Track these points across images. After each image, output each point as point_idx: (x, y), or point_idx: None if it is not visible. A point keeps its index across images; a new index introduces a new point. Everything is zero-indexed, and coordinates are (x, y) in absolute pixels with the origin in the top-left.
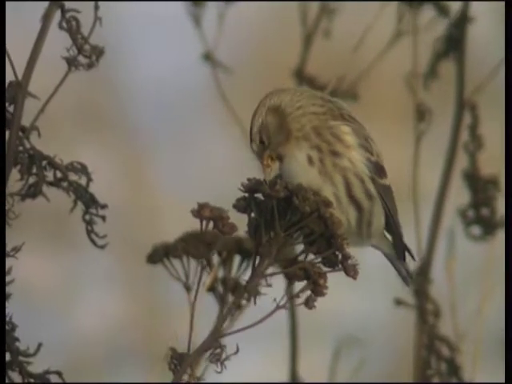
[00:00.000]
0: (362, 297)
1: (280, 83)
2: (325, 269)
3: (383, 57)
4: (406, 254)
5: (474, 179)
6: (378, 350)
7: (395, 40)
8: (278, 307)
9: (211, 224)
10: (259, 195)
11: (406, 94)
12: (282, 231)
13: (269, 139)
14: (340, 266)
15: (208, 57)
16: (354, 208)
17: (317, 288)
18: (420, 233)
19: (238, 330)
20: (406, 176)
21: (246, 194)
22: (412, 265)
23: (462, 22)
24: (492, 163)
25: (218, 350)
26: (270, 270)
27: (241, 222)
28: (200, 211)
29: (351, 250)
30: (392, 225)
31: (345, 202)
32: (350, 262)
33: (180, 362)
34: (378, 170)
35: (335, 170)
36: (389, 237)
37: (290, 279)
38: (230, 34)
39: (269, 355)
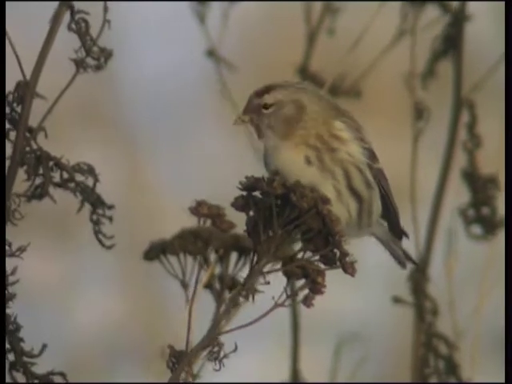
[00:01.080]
0: (362, 295)
1: (283, 81)
2: (323, 266)
3: (383, 55)
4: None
5: (473, 178)
6: (376, 348)
7: (398, 39)
8: (276, 305)
9: (208, 221)
10: (257, 193)
11: (404, 93)
12: (280, 228)
13: (272, 114)
14: (338, 263)
15: (212, 54)
16: (355, 199)
17: (315, 286)
18: (418, 231)
19: (237, 328)
20: (404, 174)
21: (244, 193)
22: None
23: (459, 21)
24: (490, 162)
25: (217, 348)
26: (268, 268)
27: (238, 220)
28: (197, 208)
29: (350, 246)
30: (389, 206)
31: (345, 194)
32: (348, 259)
33: (178, 359)
34: (372, 155)
35: (334, 164)
36: (383, 222)
37: (289, 277)
38: (233, 32)
39: (270, 354)
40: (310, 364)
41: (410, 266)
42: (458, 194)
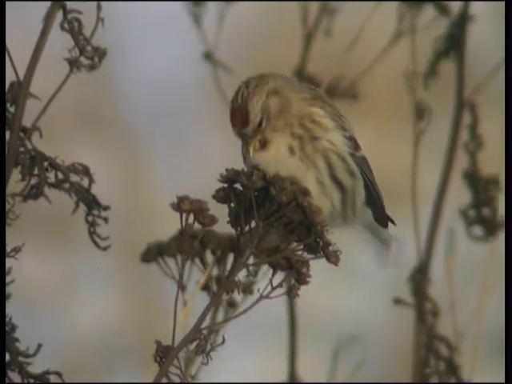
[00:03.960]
0: (362, 296)
1: None
2: (307, 257)
3: (383, 56)
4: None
5: (474, 179)
6: (376, 349)
7: (396, 39)
8: (261, 297)
9: (191, 216)
10: (238, 185)
11: (404, 93)
12: (261, 221)
13: (268, 122)
14: (321, 253)
15: (208, 56)
16: (338, 190)
17: (300, 277)
18: (419, 232)
19: (223, 322)
20: (405, 175)
21: (225, 185)
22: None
23: (462, 21)
24: (492, 163)
25: (203, 342)
26: (252, 260)
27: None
28: (179, 204)
29: (349, 246)
30: (373, 194)
31: (328, 184)
32: (331, 248)
33: (165, 354)
34: (354, 144)
35: (316, 154)
36: (368, 211)
37: (274, 268)
38: (230, 33)
39: (268, 355)
40: (308, 366)
41: (409, 267)
42: (460, 195)
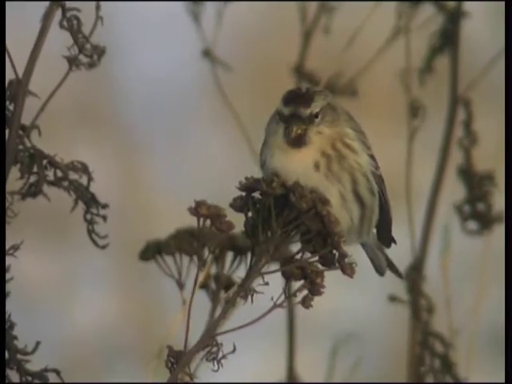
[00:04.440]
0: (357, 294)
1: (279, 80)
2: (321, 267)
3: (378, 54)
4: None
5: (469, 175)
6: (372, 347)
7: (394, 37)
8: (275, 306)
9: (208, 222)
10: (256, 194)
11: (399, 91)
12: (279, 229)
13: (320, 123)
14: (337, 264)
15: (207, 54)
16: (358, 206)
17: (314, 287)
18: (414, 229)
19: (235, 329)
20: (399, 172)
21: (243, 193)
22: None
23: (456, 18)
24: (486, 159)
25: (215, 349)
26: (266, 269)
27: (236, 220)
28: (197, 209)
29: (347, 247)
30: (385, 213)
31: (350, 200)
32: (346, 260)
33: (177, 359)
34: (375, 162)
35: (342, 170)
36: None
37: (287, 278)
38: (229, 31)
39: (266, 354)
40: (306, 364)
41: (404, 263)
42: (454, 192)
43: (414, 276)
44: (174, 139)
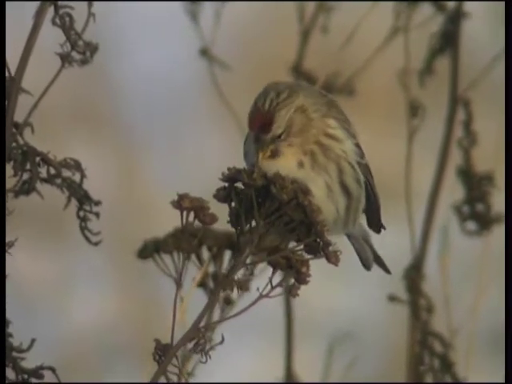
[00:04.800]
0: (356, 293)
1: (277, 79)
2: (306, 256)
3: (377, 53)
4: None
5: (468, 175)
6: (371, 346)
7: (392, 37)
8: (261, 296)
9: (192, 214)
10: (239, 184)
11: (398, 90)
12: (262, 220)
13: (287, 136)
14: (321, 253)
15: (205, 53)
16: (345, 196)
17: (299, 276)
18: (413, 229)
19: (221, 320)
20: (399, 172)
21: (226, 184)
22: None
23: (456, 18)
24: (486, 159)
25: (202, 341)
26: (251, 259)
27: (222, 213)
28: (180, 202)
29: (343, 243)
30: (373, 201)
31: (336, 191)
32: (331, 248)
33: (164, 352)
34: (360, 151)
35: (329, 161)
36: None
37: (273, 268)
38: (226, 31)
39: (263, 353)
40: (303, 363)
41: (404, 263)
42: (454, 192)
43: (414, 275)
44: (172, 138)
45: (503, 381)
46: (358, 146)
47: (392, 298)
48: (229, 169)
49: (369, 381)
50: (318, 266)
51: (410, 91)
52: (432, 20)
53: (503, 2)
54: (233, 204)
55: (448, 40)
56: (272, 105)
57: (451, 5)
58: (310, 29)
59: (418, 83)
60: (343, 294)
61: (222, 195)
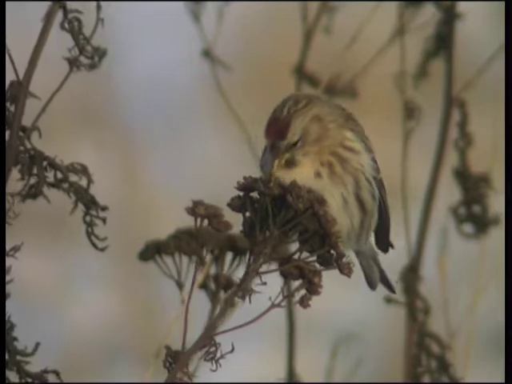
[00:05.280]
0: (354, 296)
1: (279, 80)
2: (319, 267)
3: (378, 54)
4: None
5: (464, 176)
6: (370, 347)
7: (394, 38)
8: (273, 305)
9: (206, 222)
10: (254, 194)
11: (394, 92)
12: (277, 229)
13: (303, 145)
14: (334, 264)
15: (207, 53)
16: (360, 210)
17: (311, 286)
18: (410, 230)
19: (233, 328)
20: (395, 173)
21: (241, 193)
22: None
23: (450, 20)
24: (482, 160)
25: (213, 349)
26: (264, 268)
27: (235, 220)
28: (195, 209)
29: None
30: (384, 218)
31: (352, 203)
32: (344, 260)
33: (175, 359)
34: (376, 166)
35: (346, 173)
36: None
37: (285, 277)
38: (229, 31)
39: (266, 354)
40: (306, 364)
41: (401, 264)
42: (450, 193)
43: (410, 277)
44: (175, 140)
45: (501, 381)
46: (374, 160)
47: (388, 300)
48: (244, 178)
49: (367, 381)
50: None
51: (405, 93)
52: (429, 22)
53: (499, 2)
54: (247, 213)
55: (442, 42)
56: (289, 112)
57: (447, 4)
58: (312, 30)
59: (412, 86)
60: (344, 296)
61: (237, 204)
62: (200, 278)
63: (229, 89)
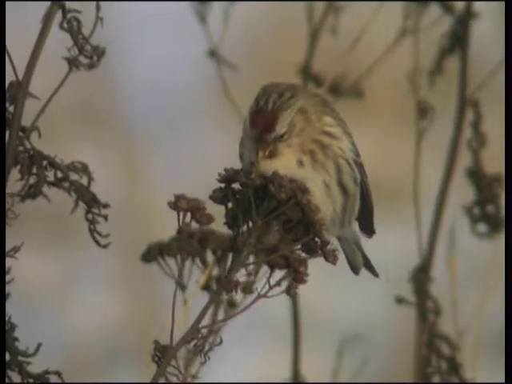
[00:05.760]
0: (364, 296)
1: (286, 80)
2: (304, 256)
3: (385, 55)
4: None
5: (478, 177)
6: (379, 348)
7: (401, 37)
8: (259, 296)
9: (188, 215)
10: (236, 185)
11: (407, 92)
12: (260, 219)
13: (289, 137)
14: (319, 252)
15: (213, 53)
16: (342, 195)
17: (297, 275)
18: (421, 230)
19: (221, 321)
20: (407, 173)
21: (222, 185)
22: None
23: (465, 19)
24: (495, 160)
25: (201, 341)
26: (250, 259)
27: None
28: (177, 203)
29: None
30: (366, 202)
31: (334, 189)
32: (328, 247)
33: (163, 353)
34: (356, 150)
35: (327, 160)
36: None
37: (271, 267)
38: (235, 32)
39: (271, 354)
40: (311, 364)
41: (411, 265)
42: (462, 193)
43: (421, 278)
44: (178, 140)
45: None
46: (353, 144)
47: (399, 300)
48: (226, 169)
49: (376, 382)
50: (325, 268)
51: (418, 93)
52: (440, 21)
53: None
54: (229, 205)
55: (457, 40)
56: (276, 105)
57: (460, 5)
58: (318, 30)
59: (427, 84)
60: (351, 296)
61: (219, 196)
62: (203, 279)
63: (234, 89)
